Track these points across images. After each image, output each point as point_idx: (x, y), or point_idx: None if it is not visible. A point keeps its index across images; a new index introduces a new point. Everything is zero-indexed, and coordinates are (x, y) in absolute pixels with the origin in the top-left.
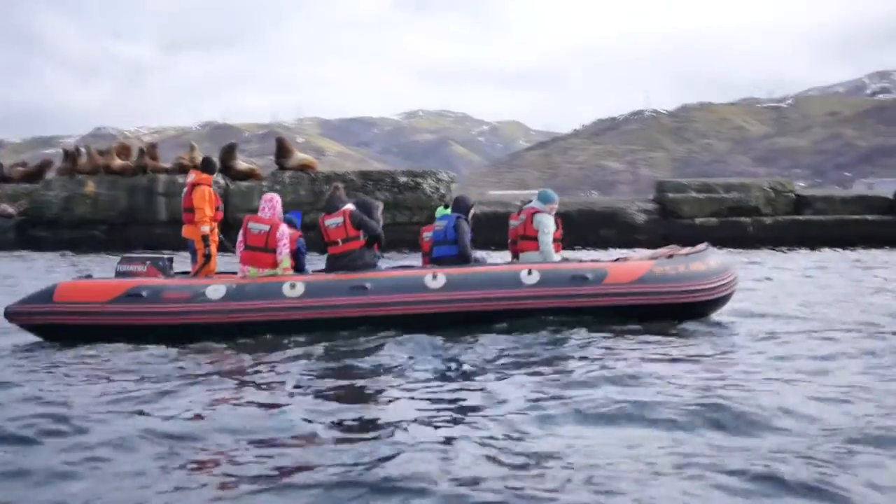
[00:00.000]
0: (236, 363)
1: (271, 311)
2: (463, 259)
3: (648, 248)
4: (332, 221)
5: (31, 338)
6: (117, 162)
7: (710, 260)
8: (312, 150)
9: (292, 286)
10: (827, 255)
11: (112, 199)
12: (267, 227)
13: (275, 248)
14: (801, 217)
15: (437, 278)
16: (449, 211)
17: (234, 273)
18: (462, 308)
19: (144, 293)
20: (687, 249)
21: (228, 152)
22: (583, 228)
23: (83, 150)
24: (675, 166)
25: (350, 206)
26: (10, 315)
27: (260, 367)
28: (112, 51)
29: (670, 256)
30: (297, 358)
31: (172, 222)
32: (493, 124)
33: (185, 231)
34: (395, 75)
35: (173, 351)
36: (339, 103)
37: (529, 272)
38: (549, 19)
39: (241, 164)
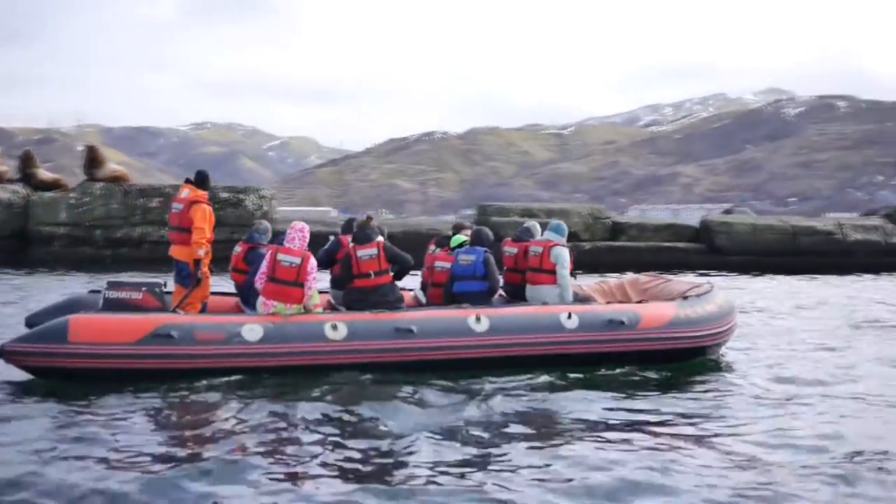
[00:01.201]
0: (270, 411)
1: (313, 355)
2: (490, 295)
3: None
4: (365, 253)
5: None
6: None
7: (718, 299)
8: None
9: (334, 327)
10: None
11: None
12: (298, 260)
13: (304, 283)
14: (617, 243)
15: (480, 321)
16: (463, 239)
17: (226, 294)
18: (507, 353)
19: (174, 333)
20: (687, 283)
21: (28, 159)
22: (406, 249)
23: None
24: (463, 188)
25: (381, 239)
26: (10, 355)
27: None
28: None
29: (685, 297)
30: (333, 411)
31: None
32: (285, 139)
33: (176, 252)
34: (183, 85)
35: (201, 394)
36: (124, 111)
37: (569, 315)
38: (343, 38)
39: (45, 172)
